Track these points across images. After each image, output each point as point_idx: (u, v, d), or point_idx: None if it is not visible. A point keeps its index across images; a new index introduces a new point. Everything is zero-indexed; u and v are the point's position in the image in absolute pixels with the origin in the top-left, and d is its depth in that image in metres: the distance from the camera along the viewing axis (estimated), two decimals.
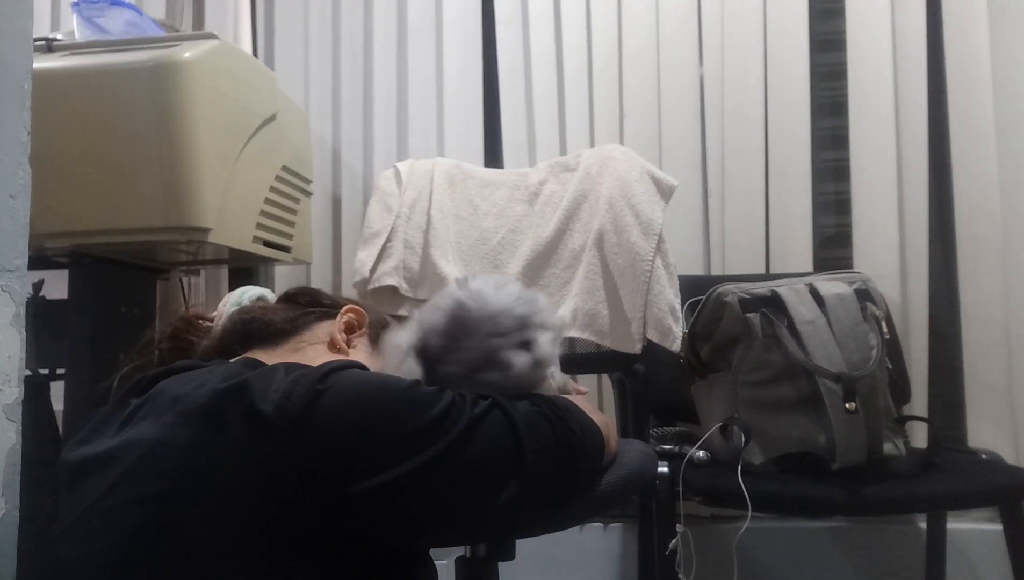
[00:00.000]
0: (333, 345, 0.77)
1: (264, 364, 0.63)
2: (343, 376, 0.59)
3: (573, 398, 0.74)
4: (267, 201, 1.42)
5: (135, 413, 0.59)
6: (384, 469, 0.55)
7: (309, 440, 0.54)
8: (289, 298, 0.84)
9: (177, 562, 0.52)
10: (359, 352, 0.80)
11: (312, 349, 0.76)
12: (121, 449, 0.56)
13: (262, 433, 0.54)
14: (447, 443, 0.57)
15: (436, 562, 0.70)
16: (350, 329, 0.80)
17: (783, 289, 1.21)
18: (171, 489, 0.53)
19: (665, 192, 1.43)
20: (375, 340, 0.82)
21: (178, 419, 0.55)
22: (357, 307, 0.82)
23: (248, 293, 0.85)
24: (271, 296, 0.87)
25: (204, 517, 0.53)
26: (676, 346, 1.30)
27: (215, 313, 0.83)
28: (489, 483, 0.59)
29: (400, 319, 1.46)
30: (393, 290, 1.49)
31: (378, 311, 0.88)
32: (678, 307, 1.33)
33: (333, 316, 0.81)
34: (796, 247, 1.72)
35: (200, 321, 0.83)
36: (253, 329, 0.77)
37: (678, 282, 1.37)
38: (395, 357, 0.69)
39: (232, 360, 0.70)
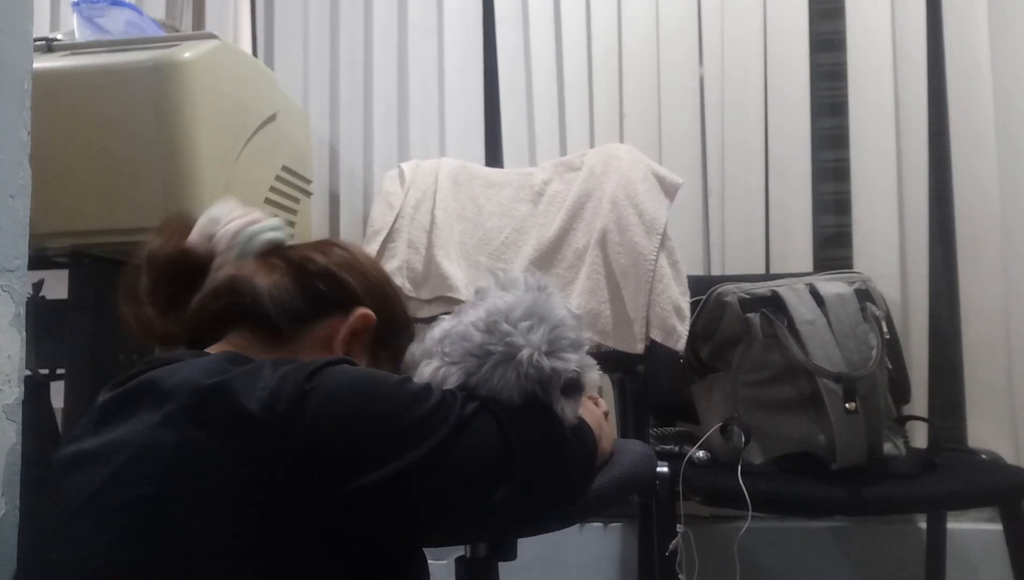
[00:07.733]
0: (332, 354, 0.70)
1: (250, 360, 0.61)
2: (331, 373, 0.58)
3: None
4: (267, 201, 1.42)
5: (121, 406, 0.58)
6: (375, 467, 0.55)
7: (298, 438, 0.54)
8: (306, 276, 0.72)
9: (168, 564, 0.52)
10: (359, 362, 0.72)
11: (310, 354, 0.69)
12: (109, 448, 0.56)
13: (249, 432, 0.53)
14: (438, 440, 0.57)
15: (436, 562, 0.69)
16: (354, 335, 0.73)
17: (783, 289, 1.21)
18: (159, 491, 0.53)
19: (669, 191, 1.43)
20: (371, 342, 0.75)
21: (164, 419, 0.54)
22: (368, 312, 0.73)
23: (264, 235, 0.71)
24: (288, 238, 0.76)
25: (193, 519, 0.52)
26: (681, 345, 1.28)
27: (197, 239, 0.73)
28: (479, 483, 0.59)
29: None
30: None
31: (400, 305, 0.80)
32: (684, 306, 1.31)
33: (344, 311, 0.72)
34: (796, 247, 1.72)
35: (192, 255, 0.73)
36: (250, 309, 0.68)
37: (686, 280, 1.35)
38: None
39: (214, 351, 0.66)
